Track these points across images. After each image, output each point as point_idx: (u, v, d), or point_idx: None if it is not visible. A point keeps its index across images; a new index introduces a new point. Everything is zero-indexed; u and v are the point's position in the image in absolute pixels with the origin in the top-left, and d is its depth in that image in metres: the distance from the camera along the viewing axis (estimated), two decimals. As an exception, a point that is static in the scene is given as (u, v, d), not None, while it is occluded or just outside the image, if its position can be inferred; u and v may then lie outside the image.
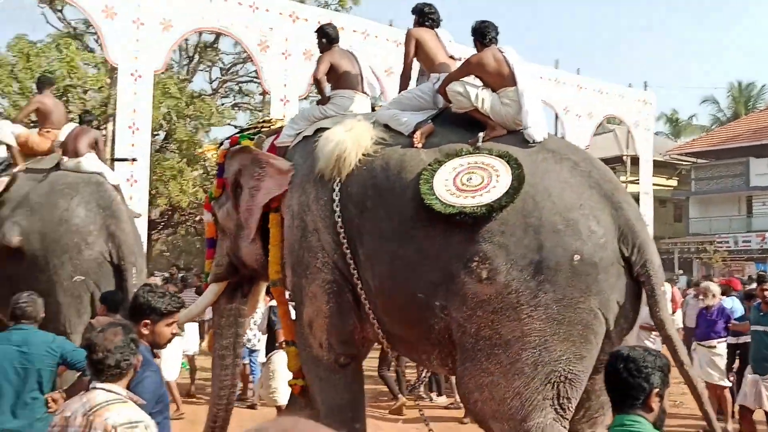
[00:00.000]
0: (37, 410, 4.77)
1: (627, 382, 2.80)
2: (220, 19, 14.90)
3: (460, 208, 4.42)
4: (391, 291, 4.78)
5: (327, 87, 6.05)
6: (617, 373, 2.84)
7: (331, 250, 5.07)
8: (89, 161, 7.57)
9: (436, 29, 5.67)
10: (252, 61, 16.79)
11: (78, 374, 5.02)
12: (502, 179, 4.48)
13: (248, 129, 6.84)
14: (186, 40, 19.10)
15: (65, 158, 7.57)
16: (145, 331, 3.56)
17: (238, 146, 6.17)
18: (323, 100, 5.96)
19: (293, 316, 5.80)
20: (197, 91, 23.43)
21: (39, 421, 4.74)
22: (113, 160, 9.66)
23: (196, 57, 23.60)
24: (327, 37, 6.15)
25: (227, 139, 6.67)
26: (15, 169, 7.69)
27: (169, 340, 3.72)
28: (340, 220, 5.02)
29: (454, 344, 4.56)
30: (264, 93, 16.14)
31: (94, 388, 3.00)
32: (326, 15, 17.00)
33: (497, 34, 5.12)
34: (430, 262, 4.54)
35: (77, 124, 8.08)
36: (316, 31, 6.38)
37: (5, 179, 7.46)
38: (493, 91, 4.94)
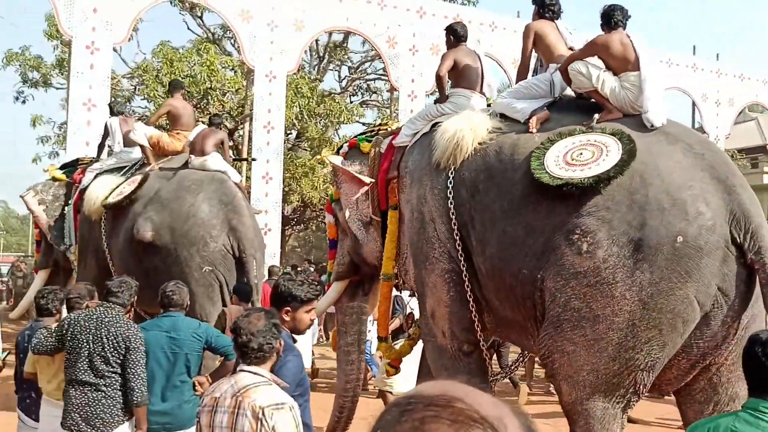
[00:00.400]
0: (185, 393, 5.05)
1: (765, 366, 2.71)
2: (349, 18, 15.20)
3: (568, 179, 4.41)
4: (501, 271, 4.80)
5: (447, 85, 6.08)
6: (755, 357, 2.75)
7: (445, 240, 5.15)
8: (214, 160, 7.98)
9: (556, 21, 5.65)
10: (380, 58, 17.00)
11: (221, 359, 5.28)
12: (612, 154, 4.44)
13: (366, 132, 7.04)
14: (316, 40, 19.60)
15: (192, 157, 7.99)
16: (287, 318, 3.68)
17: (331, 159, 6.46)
18: (441, 99, 6.03)
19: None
20: (327, 90, 23.98)
21: (187, 403, 5.02)
22: (236, 159, 10.04)
23: (326, 57, 24.13)
24: (455, 35, 6.20)
25: (346, 142, 6.88)
26: (147, 168, 8.19)
27: (308, 327, 3.83)
28: (452, 206, 5.09)
29: (542, 317, 4.58)
30: (392, 89, 16.32)
31: (241, 370, 3.14)
32: (453, 9, 16.97)
33: (625, 18, 5.06)
34: (535, 236, 4.55)
35: (206, 125, 8.49)
36: (445, 29, 6.43)
37: (138, 177, 7.96)
38: (614, 74, 4.92)
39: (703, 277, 4.15)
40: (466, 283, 5.08)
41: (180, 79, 18.70)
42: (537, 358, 6.14)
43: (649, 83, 4.79)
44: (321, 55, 24.20)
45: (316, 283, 4.01)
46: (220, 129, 8.54)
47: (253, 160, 13.09)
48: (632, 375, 4.27)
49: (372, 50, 23.15)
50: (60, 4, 12.39)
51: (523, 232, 4.63)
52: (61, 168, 9.73)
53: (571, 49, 5.47)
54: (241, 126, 18.66)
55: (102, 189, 8.14)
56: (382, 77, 24.49)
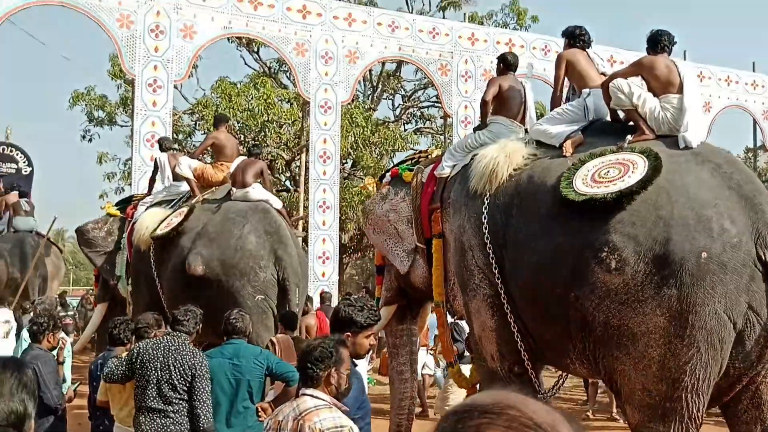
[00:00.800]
0: (249, 418, 5.16)
1: None
2: (402, 47, 15.41)
3: (592, 195, 4.49)
4: (534, 292, 4.86)
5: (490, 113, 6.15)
6: None
7: (483, 266, 5.26)
8: (256, 191, 8.18)
9: (587, 49, 5.83)
10: (433, 85, 17.14)
11: (283, 385, 5.37)
12: (638, 171, 4.50)
13: (407, 160, 7.16)
14: (370, 70, 19.88)
15: (234, 189, 8.17)
16: (347, 343, 3.75)
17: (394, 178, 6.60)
18: (482, 125, 6.12)
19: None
20: (381, 119, 24.23)
21: (251, 429, 5.13)
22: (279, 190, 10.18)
23: (380, 86, 24.42)
24: (505, 63, 6.37)
25: (388, 171, 7.06)
26: (193, 200, 8.39)
27: (368, 351, 3.90)
28: (487, 231, 5.20)
29: (588, 337, 4.58)
30: (446, 116, 16.43)
31: (303, 394, 3.22)
32: (504, 34, 17.03)
33: (671, 43, 5.20)
34: (565, 255, 4.60)
35: (245, 157, 8.68)
36: (497, 57, 6.62)
37: (185, 209, 8.16)
38: (655, 95, 5.00)
39: (730, 294, 4.16)
40: (506, 305, 5.14)
41: (239, 112, 19.21)
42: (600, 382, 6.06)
43: (691, 105, 4.86)
44: (374, 84, 24.51)
45: (375, 308, 4.07)
46: (259, 159, 8.75)
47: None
48: (682, 397, 4.25)
49: (425, 78, 23.37)
50: (123, 45, 12.90)
51: (553, 252, 4.70)
52: (116, 204, 10.09)
53: (603, 74, 5.60)
54: (298, 156, 18.97)
55: (150, 221, 8.37)
56: (436, 104, 24.64)
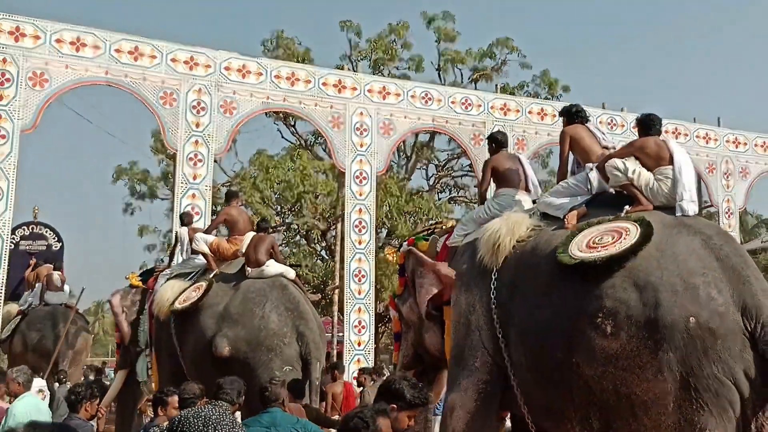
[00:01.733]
0: (286, 488, 5.13)
1: None
2: (435, 119, 15.71)
3: (583, 259, 4.65)
4: (538, 360, 4.92)
5: (492, 188, 6.52)
6: None
7: (490, 347, 5.37)
8: (270, 267, 8.36)
9: (586, 124, 6.11)
10: (466, 155, 17.35)
11: None
12: (630, 237, 4.65)
13: (423, 231, 7.49)
14: (404, 141, 20.22)
15: (249, 268, 8.37)
16: (391, 415, 3.74)
17: (410, 248, 6.88)
18: (482, 202, 6.50)
19: None
20: (415, 189, 24.50)
21: (288, 499, 5.09)
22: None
23: (413, 156, 24.77)
24: (495, 142, 6.73)
25: (405, 241, 7.32)
26: (210, 275, 8.64)
27: (404, 430, 3.83)
28: (494, 302, 5.36)
29: (591, 403, 4.58)
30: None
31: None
32: (536, 104, 17.27)
33: (659, 125, 5.50)
34: (563, 320, 4.68)
35: (254, 232, 8.88)
36: (487, 138, 6.94)
37: (203, 284, 8.36)
38: (650, 169, 5.24)
39: (723, 360, 4.19)
40: (510, 372, 5.23)
41: (276, 183, 19.55)
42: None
43: (685, 173, 5.09)
44: (408, 155, 24.88)
45: (427, 392, 3.99)
46: (268, 233, 8.98)
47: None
48: None
49: (458, 148, 23.68)
50: (166, 121, 13.36)
51: (553, 318, 4.77)
52: (140, 275, 10.37)
53: (605, 148, 5.85)
54: (334, 226, 19.20)
55: (171, 293, 8.61)
56: (469, 173, 24.87)
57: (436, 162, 25.88)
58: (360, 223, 14.55)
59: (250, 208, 21.50)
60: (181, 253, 9.62)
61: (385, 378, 4.12)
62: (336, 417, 7.46)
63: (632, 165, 5.26)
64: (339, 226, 16.46)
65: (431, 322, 6.40)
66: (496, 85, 18.63)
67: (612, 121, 17.38)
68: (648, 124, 5.47)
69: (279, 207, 22.09)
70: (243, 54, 14.41)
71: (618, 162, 5.30)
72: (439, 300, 6.25)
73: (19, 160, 12.20)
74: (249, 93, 14.09)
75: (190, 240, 9.37)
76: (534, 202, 6.21)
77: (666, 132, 17.90)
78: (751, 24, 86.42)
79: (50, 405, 9.55)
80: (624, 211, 5.09)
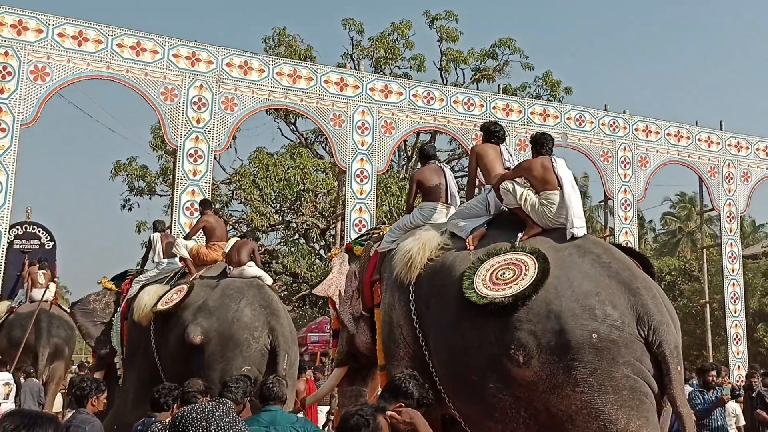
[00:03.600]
0: (286, 489, 5.06)
1: None
2: (437, 118, 15.66)
3: (492, 298, 5.01)
4: (451, 375, 5.36)
5: (419, 198, 7.01)
6: None
7: (411, 342, 5.87)
8: (251, 268, 8.75)
9: (500, 145, 6.46)
10: (467, 155, 17.29)
11: None
12: (529, 273, 5.04)
13: (361, 236, 7.85)
14: (405, 140, 20.18)
15: (230, 267, 8.73)
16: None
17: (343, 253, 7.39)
18: (408, 212, 6.98)
19: None
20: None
21: (287, 500, 5.02)
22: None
23: (414, 156, 24.73)
24: (423, 155, 7.29)
25: (344, 245, 7.67)
26: (191, 278, 8.91)
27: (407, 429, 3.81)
28: (415, 317, 5.82)
29: (519, 421, 4.94)
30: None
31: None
32: (539, 105, 17.23)
33: (552, 144, 5.92)
34: (475, 349, 5.09)
35: (238, 238, 9.33)
36: (419, 149, 7.60)
37: (185, 287, 8.63)
38: (536, 192, 5.60)
39: (630, 362, 4.65)
40: (435, 379, 5.57)
41: (275, 181, 19.48)
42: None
43: (571, 199, 5.46)
44: (409, 154, 24.82)
45: (431, 391, 3.98)
46: (251, 239, 9.39)
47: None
48: None
49: (459, 148, 23.61)
50: (167, 117, 13.30)
51: (464, 344, 5.19)
52: (112, 279, 10.49)
53: (507, 169, 6.18)
54: (333, 225, 19.14)
55: (149, 298, 8.84)
56: (470, 174, 24.81)
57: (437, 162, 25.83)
58: (360, 222, 14.49)
59: (249, 206, 21.45)
60: (152, 258, 9.94)
61: (391, 377, 4.07)
62: (301, 414, 7.49)
63: (520, 189, 5.66)
64: (338, 224, 16.38)
65: (361, 322, 6.83)
66: (499, 86, 18.56)
67: (614, 123, 17.34)
68: (540, 143, 5.85)
69: (278, 205, 22.02)
70: (245, 50, 14.36)
71: (509, 184, 5.70)
72: (367, 303, 6.72)
73: (18, 154, 12.14)
74: (250, 90, 14.02)
75: (167, 245, 9.74)
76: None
77: (668, 135, 17.89)
78: (755, 27, 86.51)
79: (16, 397, 9.63)
80: (518, 238, 5.48)
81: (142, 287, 9.25)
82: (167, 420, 5.13)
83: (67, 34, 12.69)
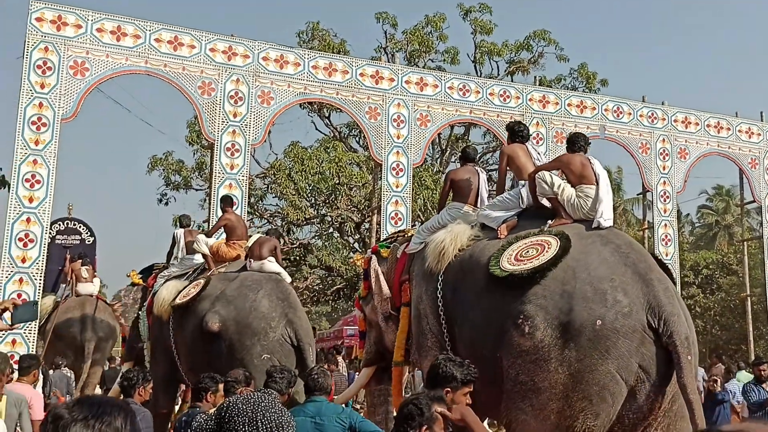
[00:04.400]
0: (331, 479, 5.05)
1: None
2: (473, 111, 15.55)
3: (512, 271, 5.31)
4: (473, 353, 5.42)
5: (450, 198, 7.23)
6: None
7: (437, 332, 6.12)
8: (270, 264, 8.96)
9: (526, 143, 6.73)
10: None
11: None
12: (551, 250, 5.30)
13: (387, 239, 8.16)
14: (439, 134, 20.08)
15: (251, 261, 8.93)
16: (446, 399, 3.66)
17: (372, 255, 7.59)
18: (439, 210, 7.23)
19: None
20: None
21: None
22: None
23: (448, 149, 24.61)
24: (463, 157, 7.55)
25: (370, 248, 8.07)
26: (209, 273, 9.14)
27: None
28: (441, 304, 6.08)
29: (501, 391, 5.27)
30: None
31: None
32: (576, 97, 17.02)
33: (586, 143, 6.23)
34: (492, 322, 5.40)
35: (261, 235, 9.56)
36: (460, 152, 7.73)
37: (202, 281, 8.84)
38: (572, 186, 5.88)
39: (622, 356, 4.85)
40: None
41: (310, 175, 19.50)
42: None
43: (604, 194, 5.77)
44: (443, 147, 24.71)
45: (473, 366, 3.99)
46: (273, 237, 9.55)
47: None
48: None
49: (493, 141, 23.46)
50: (204, 111, 13.38)
51: (485, 319, 5.51)
52: (140, 273, 10.83)
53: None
54: (368, 219, 19.13)
55: (168, 293, 9.12)
56: (505, 167, 24.63)
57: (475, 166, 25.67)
58: (396, 215, 14.45)
59: (284, 200, 21.54)
60: (177, 253, 10.14)
61: (430, 365, 4.06)
62: None
63: (558, 180, 5.93)
64: (373, 218, 16.38)
65: (390, 322, 7.04)
66: (535, 77, 18.38)
67: (653, 114, 17.07)
68: (573, 142, 6.17)
69: (313, 198, 22.07)
70: (281, 44, 14.38)
71: (546, 175, 5.95)
72: (394, 303, 6.97)
73: (59, 148, 12.31)
74: (286, 83, 14.05)
75: (189, 241, 9.92)
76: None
77: (708, 126, 17.57)
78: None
79: (43, 389, 9.87)
80: (547, 224, 5.75)
81: (164, 282, 9.51)
82: (211, 410, 5.15)
83: (106, 29, 12.83)
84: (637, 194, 19.78)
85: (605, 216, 5.68)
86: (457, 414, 3.26)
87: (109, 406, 1.98)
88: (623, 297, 4.96)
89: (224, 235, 9.90)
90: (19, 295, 11.67)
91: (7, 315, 3.11)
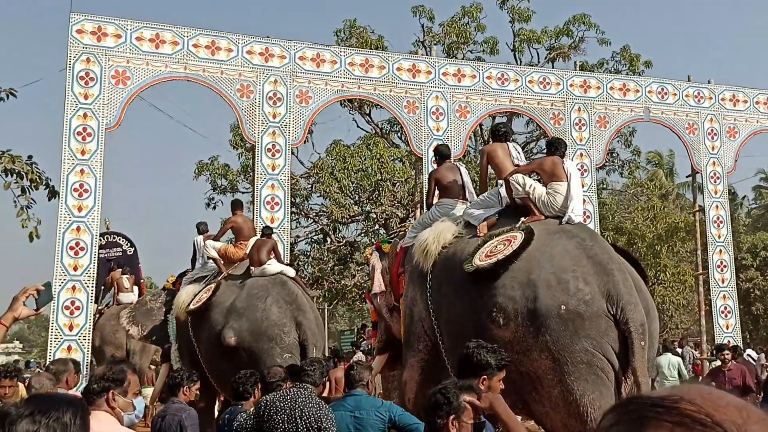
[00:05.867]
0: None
1: None
2: (512, 100, 15.38)
3: (478, 266, 5.69)
4: (454, 346, 5.76)
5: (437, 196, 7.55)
6: None
7: (425, 319, 6.49)
8: (271, 266, 9.33)
9: (507, 143, 7.05)
10: (545, 136, 16.92)
11: None
12: (515, 244, 5.69)
13: (391, 235, 8.46)
14: (480, 124, 19.92)
15: (252, 268, 9.31)
16: (482, 387, 3.61)
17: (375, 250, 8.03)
18: (428, 207, 7.54)
19: None
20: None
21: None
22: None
23: (490, 140, 24.39)
24: (439, 155, 7.75)
25: (375, 243, 8.64)
26: (219, 277, 9.67)
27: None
28: (429, 295, 6.44)
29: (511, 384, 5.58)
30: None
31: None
32: (618, 80, 16.69)
33: (564, 149, 6.62)
34: (470, 316, 5.73)
35: (257, 238, 9.89)
36: (433, 150, 8.12)
37: (212, 286, 9.33)
38: (544, 185, 6.26)
39: (591, 336, 5.19)
40: (443, 350, 6.30)
41: (353, 173, 19.51)
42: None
43: (574, 190, 6.15)
44: (485, 139, 24.50)
45: (504, 351, 3.93)
46: (270, 238, 9.89)
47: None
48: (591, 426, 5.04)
49: (536, 130, 23.16)
50: (244, 114, 13.53)
51: (463, 314, 5.86)
52: (177, 278, 11.21)
53: (516, 166, 6.78)
54: (413, 213, 19.09)
55: (186, 296, 9.64)
56: (549, 155, 24.29)
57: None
58: (439, 208, 14.38)
59: (329, 198, 21.63)
60: (198, 259, 10.70)
61: (461, 353, 4.00)
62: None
63: (529, 180, 6.33)
64: (417, 212, 16.30)
65: (394, 313, 7.45)
66: (576, 63, 18.08)
67: (699, 94, 16.64)
68: (554, 146, 6.54)
69: (357, 196, 22.12)
70: (316, 43, 14.44)
71: (519, 177, 6.36)
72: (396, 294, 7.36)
73: (104, 157, 12.57)
74: (324, 82, 14.10)
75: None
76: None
77: (757, 103, 17.06)
78: None
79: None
80: (520, 221, 6.12)
81: (186, 286, 10.13)
82: (252, 409, 5.20)
83: (145, 38, 13.06)
84: (687, 176, 19.30)
85: (576, 212, 6.07)
86: (486, 402, 3.20)
87: (57, 401, 1.98)
88: (584, 286, 5.34)
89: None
90: (72, 303, 12.00)
91: (28, 301, 3.23)
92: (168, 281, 11.31)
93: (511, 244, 5.74)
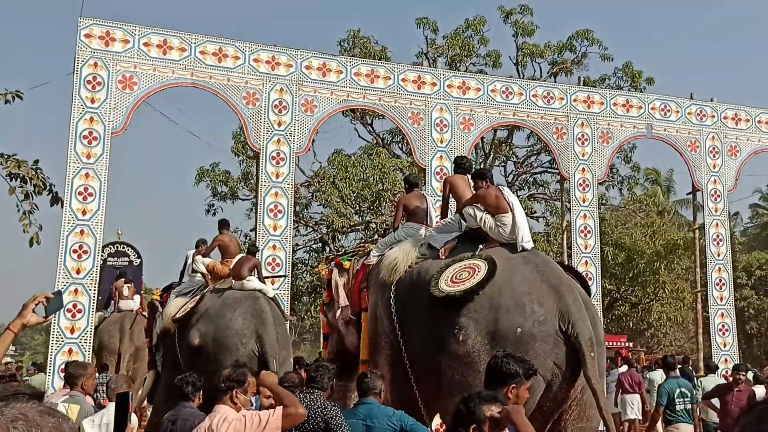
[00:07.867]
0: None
1: None
2: (516, 113, 15.45)
3: (448, 292, 6.24)
4: (420, 359, 6.54)
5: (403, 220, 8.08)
6: None
7: (390, 333, 6.96)
8: (251, 282, 9.97)
9: (468, 174, 7.59)
10: (546, 150, 17.01)
11: None
12: (479, 273, 6.25)
13: (347, 252, 8.71)
14: (482, 137, 19.99)
15: (234, 282, 9.93)
16: (510, 396, 3.63)
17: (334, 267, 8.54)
18: (394, 229, 8.05)
19: None
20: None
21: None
22: (266, 277, 11.10)
23: (491, 153, 24.48)
24: (408, 183, 8.56)
25: (332, 260, 9.19)
26: (205, 290, 10.13)
27: (525, 403, 3.78)
28: (394, 310, 6.93)
29: (453, 387, 5.97)
30: (562, 179, 16.18)
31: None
32: (621, 96, 16.79)
33: (492, 176, 7.38)
34: (434, 334, 6.29)
35: (243, 255, 10.41)
36: (404, 179, 9.01)
37: (197, 297, 9.90)
38: (492, 215, 6.78)
39: (539, 356, 5.68)
40: (406, 362, 6.73)
41: (354, 182, 19.54)
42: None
43: (519, 221, 6.70)
44: (487, 151, 24.59)
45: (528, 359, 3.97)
46: (254, 256, 10.58)
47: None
48: None
49: (537, 144, 23.26)
50: (249, 121, 13.56)
51: (428, 331, 6.40)
52: (162, 291, 11.47)
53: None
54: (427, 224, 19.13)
55: (172, 307, 10.09)
56: (549, 170, 24.41)
57: (515, 159, 25.51)
58: (439, 219, 14.40)
59: (329, 207, 21.65)
60: (187, 273, 11.04)
61: (487, 363, 4.04)
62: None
63: (480, 213, 6.83)
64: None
65: (350, 326, 7.99)
66: (579, 78, 18.17)
67: (701, 112, 16.74)
68: (483, 176, 7.11)
69: (357, 206, 22.15)
70: (323, 52, 14.49)
71: (470, 209, 6.91)
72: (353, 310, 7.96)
73: (110, 161, 12.59)
74: (329, 91, 14.15)
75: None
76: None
77: (759, 122, 17.18)
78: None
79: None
80: (479, 249, 6.68)
81: (173, 298, 10.48)
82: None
83: (153, 43, 13.09)
84: (687, 194, 19.38)
85: (525, 239, 6.68)
86: (505, 415, 3.22)
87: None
88: (539, 308, 5.95)
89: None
90: (74, 305, 11.98)
91: (34, 308, 3.27)
92: (155, 294, 11.56)
93: (475, 273, 6.31)
